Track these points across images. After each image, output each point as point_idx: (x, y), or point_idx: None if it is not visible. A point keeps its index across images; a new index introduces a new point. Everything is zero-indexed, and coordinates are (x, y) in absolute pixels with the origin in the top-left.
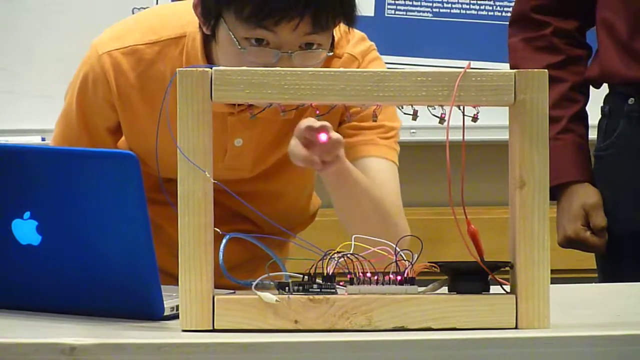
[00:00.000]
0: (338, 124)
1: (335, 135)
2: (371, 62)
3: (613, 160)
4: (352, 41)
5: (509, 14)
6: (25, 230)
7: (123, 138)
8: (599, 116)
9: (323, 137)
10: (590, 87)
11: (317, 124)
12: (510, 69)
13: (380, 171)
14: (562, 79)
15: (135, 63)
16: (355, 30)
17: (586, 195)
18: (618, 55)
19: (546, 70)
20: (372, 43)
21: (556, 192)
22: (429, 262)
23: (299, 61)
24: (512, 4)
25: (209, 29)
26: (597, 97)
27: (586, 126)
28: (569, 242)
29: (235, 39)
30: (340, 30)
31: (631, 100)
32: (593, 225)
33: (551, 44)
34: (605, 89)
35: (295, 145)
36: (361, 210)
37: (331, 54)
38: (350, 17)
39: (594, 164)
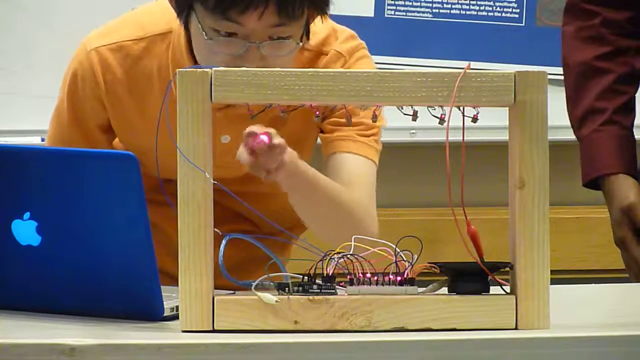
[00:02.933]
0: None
1: (277, 141)
2: (358, 61)
3: None
4: (340, 38)
5: (508, 15)
6: (25, 231)
7: (118, 138)
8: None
9: (262, 138)
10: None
11: (260, 130)
12: (561, 57)
13: (353, 168)
14: (608, 70)
15: (122, 59)
16: (346, 28)
17: (622, 194)
18: None
19: (545, 71)
20: (362, 42)
21: (597, 184)
22: (428, 263)
23: (268, 51)
24: (512, 4)
25: (182, 21)
26: None
27: (633, 117)
28: (622, 248)
29: (202, 30)
30: (328, 27)
31: None
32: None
33: (599, 34)
34: None
35: (240, 152)
36: (320, 212)
37: (301, 44)
38: (319, 6)
39: None
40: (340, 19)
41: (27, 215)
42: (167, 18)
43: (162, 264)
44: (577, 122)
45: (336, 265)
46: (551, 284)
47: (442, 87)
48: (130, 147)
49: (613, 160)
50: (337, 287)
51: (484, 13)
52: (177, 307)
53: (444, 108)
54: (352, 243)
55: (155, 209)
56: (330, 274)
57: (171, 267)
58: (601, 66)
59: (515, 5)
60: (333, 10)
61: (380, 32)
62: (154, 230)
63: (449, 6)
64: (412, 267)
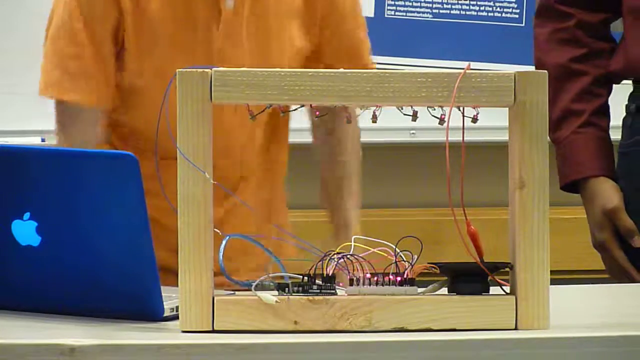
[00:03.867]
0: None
1: None
2: None
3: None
4: None
5: (509, 15)
6: (25, 231)
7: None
8: (622, 114)
9: None
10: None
11: None
12: (534, 59)
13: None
14: (584, 72)
15: None
16: None
17: (605, 197)
18: None
19: (546, 71)
20: None
21: (577, 186)
22: (428, 263)
23: None
24: (512, 4)
25: None
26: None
27: (608, 120)
28: (603, 250)
29: None
30: None
31: None
32: (623, 230)
33: (574, 37)
34: (625, 85)
35: None
36: None
37: None
38: None
39: (618, 160)
40: None
41: (27, 215)
42: None
43: (159, 258)
44: (554, 124)
45: (336, 265)
46: (551, 284)
47: (442, 87)
48: (144, 64)
49: (594, 162)
50: (337, 287)
51: (484, 13)
52: (177, 307)
53: (444, 108)
54: (352, 243)
55: (152, 200)
56: (330, 274)
57: (168, 260)
58: (577, 68)
59: (515, 6)
60: None
61: (380, 32)
62: (151, 225)
63: (449, 6)
64: (412, 268)
